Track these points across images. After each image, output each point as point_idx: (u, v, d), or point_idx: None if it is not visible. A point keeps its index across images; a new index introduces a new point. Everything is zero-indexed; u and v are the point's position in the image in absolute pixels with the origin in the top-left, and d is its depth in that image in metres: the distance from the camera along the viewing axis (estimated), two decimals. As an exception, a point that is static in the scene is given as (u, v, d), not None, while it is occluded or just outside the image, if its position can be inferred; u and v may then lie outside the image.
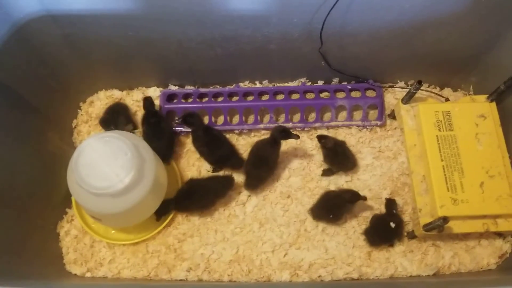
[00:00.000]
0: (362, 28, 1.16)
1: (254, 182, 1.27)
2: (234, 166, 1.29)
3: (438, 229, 1.10)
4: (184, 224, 1.26)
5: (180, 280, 1.20)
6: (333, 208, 1.20)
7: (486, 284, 1.07)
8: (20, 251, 1.10)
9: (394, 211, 1.22)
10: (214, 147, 1.26)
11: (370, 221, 1.24)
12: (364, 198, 1.18)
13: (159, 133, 1.27)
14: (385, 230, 1.20)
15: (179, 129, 1.34)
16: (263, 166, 1.24)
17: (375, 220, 1.22)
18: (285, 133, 1.19)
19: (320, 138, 1.25)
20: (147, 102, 1.30)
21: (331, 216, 1.21)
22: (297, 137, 1.20)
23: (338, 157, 1.27)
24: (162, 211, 1.22)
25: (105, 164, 1.03)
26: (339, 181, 1.29)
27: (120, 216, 1.10)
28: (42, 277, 1.13)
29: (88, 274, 1.21)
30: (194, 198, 1.23)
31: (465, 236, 1.24)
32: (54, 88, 1.26)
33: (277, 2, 1.09)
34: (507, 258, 1.22)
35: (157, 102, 1.36)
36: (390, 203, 1.23)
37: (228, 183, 1.25)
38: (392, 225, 1.18)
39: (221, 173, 1.31)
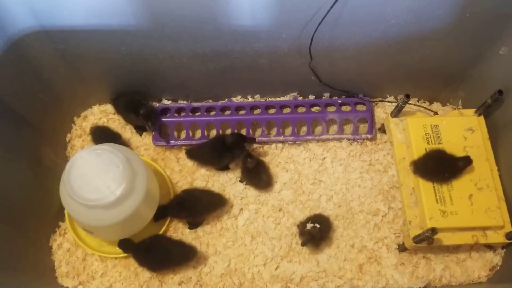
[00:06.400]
0: (350, 43, 1.19)
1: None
2: None
3: (428, 240, 1.10)
4: (176, 238, 1.26)
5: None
6: None
7: None
8: (13, 264, 1.11)
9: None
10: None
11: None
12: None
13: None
14: None
15: (172, 142, 1.35)
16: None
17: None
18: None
19: (247, 157, 1.26)
20: None
21: None
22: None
23: (252, 175, 1.28)
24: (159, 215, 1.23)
25: (97, 176, 1.05)
26: (329, 193, 1.30)
27: (112, 228, 1.11)
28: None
29: (80, 287, 1.21)
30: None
31: (456, 249, 1.24)
32: (48, 102, 1.27)
33: (265, 18, 1.11)
34: (497, 270, 1.22)
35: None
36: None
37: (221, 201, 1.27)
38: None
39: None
